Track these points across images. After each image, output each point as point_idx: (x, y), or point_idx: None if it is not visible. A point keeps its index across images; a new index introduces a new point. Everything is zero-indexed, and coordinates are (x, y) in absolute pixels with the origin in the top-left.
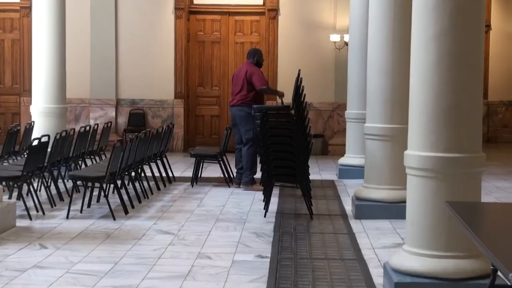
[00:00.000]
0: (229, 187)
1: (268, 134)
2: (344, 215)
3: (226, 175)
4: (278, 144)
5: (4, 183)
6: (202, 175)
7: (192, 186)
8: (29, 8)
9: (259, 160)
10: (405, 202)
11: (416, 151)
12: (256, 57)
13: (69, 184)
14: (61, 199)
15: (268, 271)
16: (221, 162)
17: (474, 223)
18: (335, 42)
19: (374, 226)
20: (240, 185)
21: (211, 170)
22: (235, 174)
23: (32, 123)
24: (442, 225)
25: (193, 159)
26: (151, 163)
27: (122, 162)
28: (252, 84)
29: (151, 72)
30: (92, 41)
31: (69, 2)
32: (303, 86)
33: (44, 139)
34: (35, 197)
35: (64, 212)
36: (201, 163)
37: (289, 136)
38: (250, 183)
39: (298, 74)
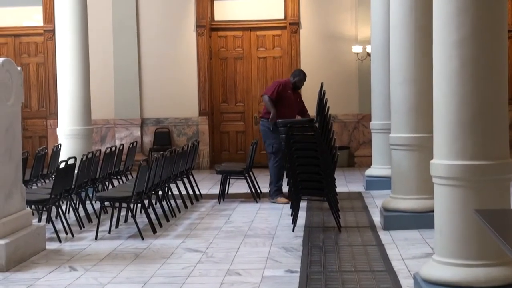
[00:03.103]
0: (257, 202)
1: (293, 148)
2: (372, 227)
3: (253, 191)
4: (303, 157)
5: (33, 206)
6: (229, 192)
7: (219, 203)
8: (53, 31)
9: (286, 174)
10: (433, 211)
11: (442, 160)
12: (296, 79)
13: (97, 205)
14: (90, 220)
15: (298, 285)
16: (248, 177)
17: (504, 231)
18: (357, 53)
19: (403, 237)
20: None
21: (238, 186)
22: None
23: (59, 145)
24: (472, 234)
25: (220, 176)
26: (177, 182)
27: (148, 181)
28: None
29: (175, 90)
30: (115, 61)
31: (92, 23)
32: (326, 99)
33: (71, 161)
34: (63, 220)
35: (93, 234)
36: (228, 180)
37: (314, 149)
38: (274, 196)
39: (321, 87)
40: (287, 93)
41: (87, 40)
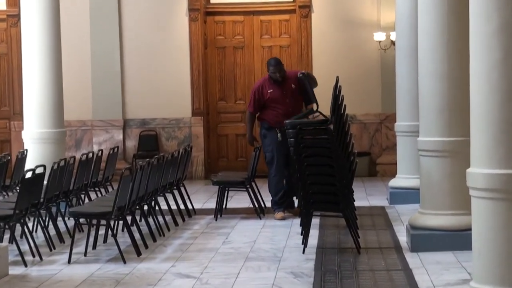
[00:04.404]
0: (260, 219)
1: (304, 155)
2: (397, 248)
3: (256, 205)
4: (315, 165)
5: None
6: (228, 206)
7: (216, 220)
8: (18, 16)
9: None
10: (470, 229)
11: (481, 169)
12: (269, 71)
13: (70, 222)
14: (62, 240)
15: None
16: (250, 189)
17: None
18: (379, 41)
19: (434, 260)
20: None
21: (238, 200)
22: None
23: (25, 151)
24: None
25: (217, 187)
26: (166, 194)
27: (132, 194)
28: None
29: (164, 86)
30: (92, 52)
31: (64, 6)
32: (343, 96)
33: (39, 170)
34: (30, 240)
35: (66, 256)
36: (226, 192)
37: (328, 156)
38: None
39: (337, 82)
40: (269, 93)
41: (59, 26)
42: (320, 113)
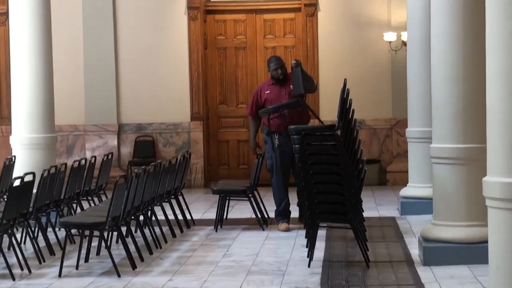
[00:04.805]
0: (263, 230)
1: (309, 162)
2: (409, 261)
3: (259, 215)
4: (322, 173)
5: None
6: (229, 216)
7: (216, 231)
8: (6, 14)
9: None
10: (487, 242)
11: (499, 177)
12: (270, 68)
13: (61, 233)
14: (52, 252)
15: None
16: (252, 198)
17: None
18: (390, 42)
19: (448, 274)
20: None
21: (240, 210)
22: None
23: (13, 158)
24: None
25: (217, 197)
26: (163, 204)
27: (127, 203)
28: None
29: (161, 89)
30: (85, 53)
31: (56, 5)
32: (351, 100)
33: (28, 178)
34: (18, 252)
35: (56, 269)
36: (227, 201)
37: (335, 164)
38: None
39: (344, 85)
40: (265, 94)
41: (50, 26)
42: (308, 106)
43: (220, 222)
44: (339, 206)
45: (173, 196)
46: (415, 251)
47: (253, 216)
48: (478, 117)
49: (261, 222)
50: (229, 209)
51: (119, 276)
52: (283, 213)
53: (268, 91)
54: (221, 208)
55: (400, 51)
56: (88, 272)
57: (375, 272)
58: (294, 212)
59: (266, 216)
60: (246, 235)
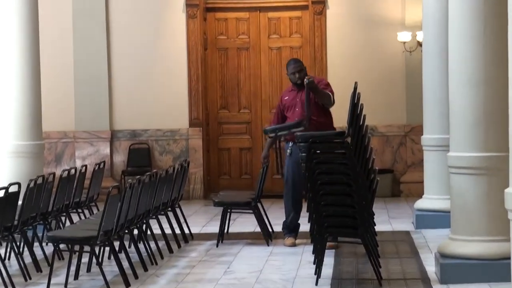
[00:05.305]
0: (268, 245)
1: (317, 171)
2: (425, 279)
3: (264, 229)
4: (330, 184)
5: None
6: (230, 230)
7: (217, 246)
8: None
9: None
10: (509, 258)
11: None
12: (288, 72)
13: (49, 248)
14: (38, 269)
15: None
16: (256, 211)
17: None
18: (404, 42)
19: None
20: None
21: (243, 223)
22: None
23: None
24: None
25: (217, 209)
26: (159, 217)
27: (120, 216)
28: None
29: (157, 93)
30: (75, 55)
31: (43, 5)
32: (362, 105)
33: (13, 189)
34: (2, 268)
35: (43, 287)
36: (229, 214)
37: (345, 173)
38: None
39: (355, 89)
40: (284, 100)
41: (37, 25)
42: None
43: (221, 236)
44: (349, 219)
45: (170, 209)
46: (431, 268)
47: (257, 230)
48: (500, 123)
49: (266, 237)
50: (231, 222)
51: None
52: (290, 227)
53: (287, 97)
54: (222, 222)
55: (415, 52)
56: None
57: None
58: (304, 226)
59: (271, 230)
60: (249, 251)
